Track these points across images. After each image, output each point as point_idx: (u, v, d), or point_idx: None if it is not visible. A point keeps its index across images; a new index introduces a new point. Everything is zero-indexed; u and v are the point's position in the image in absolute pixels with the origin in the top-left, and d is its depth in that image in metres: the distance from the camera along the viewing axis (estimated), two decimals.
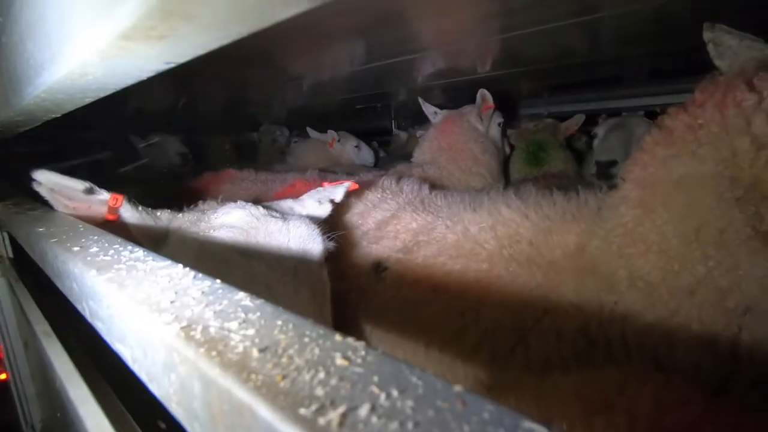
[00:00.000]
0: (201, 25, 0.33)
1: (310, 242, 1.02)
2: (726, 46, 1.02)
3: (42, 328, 1.08)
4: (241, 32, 0.35)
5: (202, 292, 0.46)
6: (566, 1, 1.33)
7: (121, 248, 0.63)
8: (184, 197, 2.26)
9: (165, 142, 3.47)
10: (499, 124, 2.43)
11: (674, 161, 0.90)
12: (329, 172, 2.14)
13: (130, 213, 0.98)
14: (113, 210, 0.96)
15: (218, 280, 0.47)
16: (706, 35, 1.05)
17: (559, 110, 3.27)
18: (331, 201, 1.20)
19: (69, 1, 0.41)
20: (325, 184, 1.25)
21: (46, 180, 0.93)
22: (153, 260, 0.57)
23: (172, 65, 0.48)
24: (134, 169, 3.30)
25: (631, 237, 0.94)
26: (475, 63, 2.21)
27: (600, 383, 0.70)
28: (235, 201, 1.05)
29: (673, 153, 0.91)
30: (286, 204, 1.16)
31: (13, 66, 0.71)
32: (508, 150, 2.60)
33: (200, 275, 0.50)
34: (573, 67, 2.34)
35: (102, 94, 0.66)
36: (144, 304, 0.44)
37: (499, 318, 1.09)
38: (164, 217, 1.03)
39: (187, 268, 0.53)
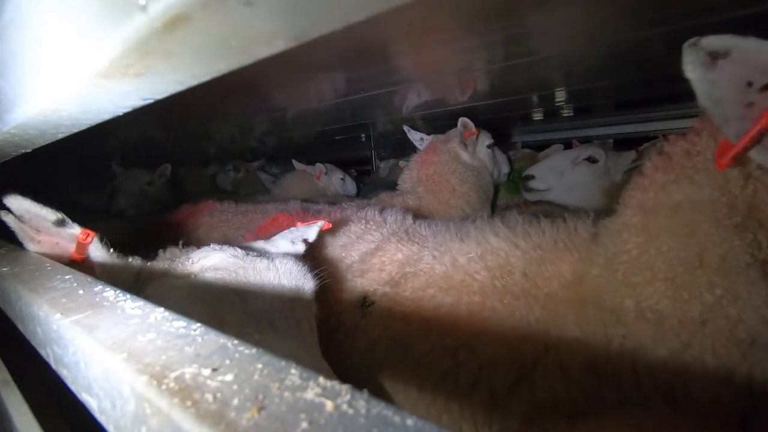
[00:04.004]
0: (180, 63, 0.33)
1: (301, 278, 0.99)
2: None
3: (0, 376, 1.01)
4: (221, 69, 0.35)
5: (177, 335, 0.43)
6: (532, 40, 1.41)
7: (91, 289, 0.60)
8: (161, 230, 2.21)
9: (129, 178, 3.22)
10: (488, 146, 2.44)
11: (673, 186, 0.90)
12: (312, 203, 2.13)
13: (99, 253, 0.93)
14: (82, 247, 0.91)
15: (196, 322, 0.45)
16: None
17: (532, 139, 3.41)
18: (305, 240, 1.17)
19: (43, 40, 0.40)
20: (299, 224, 1.22)
21: (17, 206, 0.88)
22: (125, 301, 0.54)
23: (150, 101, 0.47)
24: (110, 201, 3.17)
25: (637, 265, 0.91)
26: (454, 94, 2.29)
27: (634, 430, 0.67)
28: (209, 237, 1.02)
29: (672, 178, 0.91)
30: (258, 245, 1.13)
31: None
32: (507, 168, 2.63)
33: (175, 316, 0.47)
34: (548, 97, 2.45)
35: (75, 130, 0.64)
36: (113, 350, 0.41)
37: (495, 354, 1.02)
38: (135, 264, 0.97)
39: (161, 309, 0.50)
